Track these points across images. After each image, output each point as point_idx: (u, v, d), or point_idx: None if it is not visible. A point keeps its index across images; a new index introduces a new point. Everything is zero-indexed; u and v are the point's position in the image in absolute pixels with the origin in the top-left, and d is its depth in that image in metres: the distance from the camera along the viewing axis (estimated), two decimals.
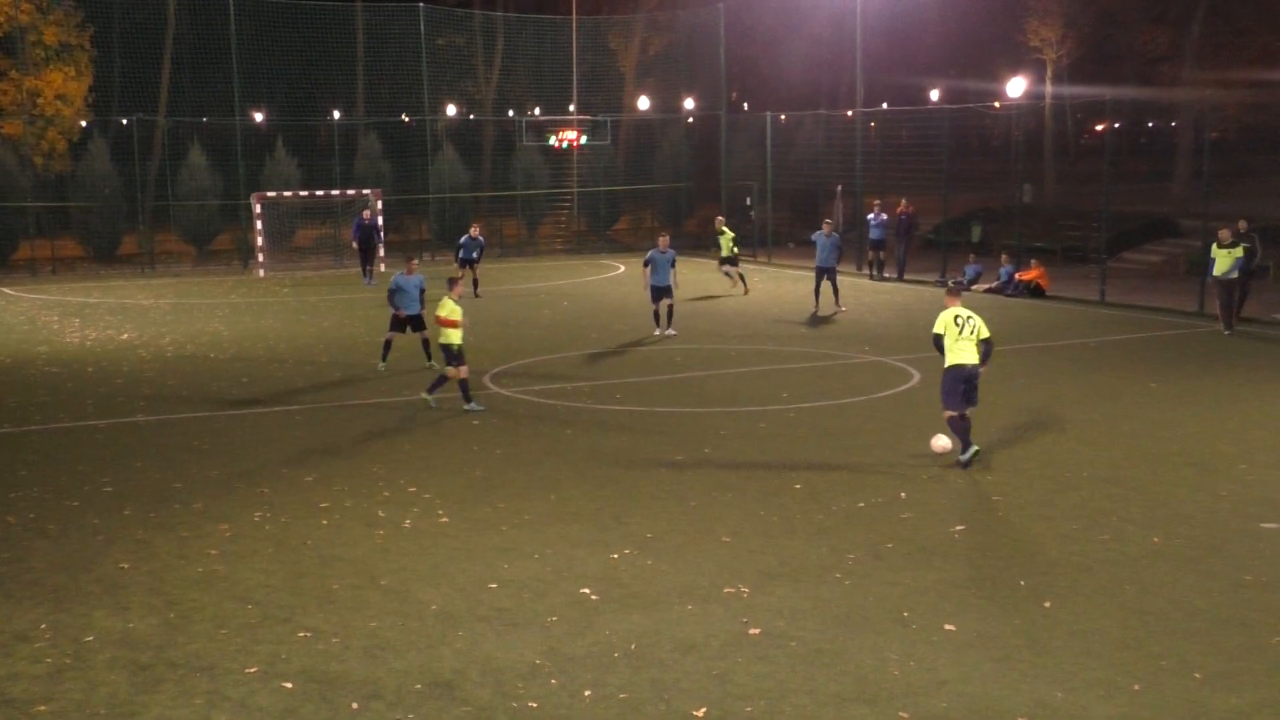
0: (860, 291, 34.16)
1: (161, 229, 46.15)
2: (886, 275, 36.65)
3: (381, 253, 39.82)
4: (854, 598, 10.65)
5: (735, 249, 34.48)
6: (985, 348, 15.39)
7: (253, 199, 41.43)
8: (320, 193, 43.77)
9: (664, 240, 27.05)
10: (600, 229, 50.36)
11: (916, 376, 21.00)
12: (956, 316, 15.24)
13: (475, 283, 32.89)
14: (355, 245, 37.48)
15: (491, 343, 25.12)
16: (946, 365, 15.26)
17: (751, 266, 40.70)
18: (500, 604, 10.64)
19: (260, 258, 41.11)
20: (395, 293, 21.88)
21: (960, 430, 15.07)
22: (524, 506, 13.53)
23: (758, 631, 9.94)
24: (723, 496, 13.84)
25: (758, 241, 43.66)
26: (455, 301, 18.49)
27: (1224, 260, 25.47)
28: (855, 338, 25.41)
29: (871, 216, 36.82)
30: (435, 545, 12.24)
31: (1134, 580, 10.99)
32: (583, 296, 34.03)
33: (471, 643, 9.81)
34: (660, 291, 25.93)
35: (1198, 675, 9.02)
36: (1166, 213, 43.69)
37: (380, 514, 13.32)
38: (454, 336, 18.39)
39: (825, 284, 29.53)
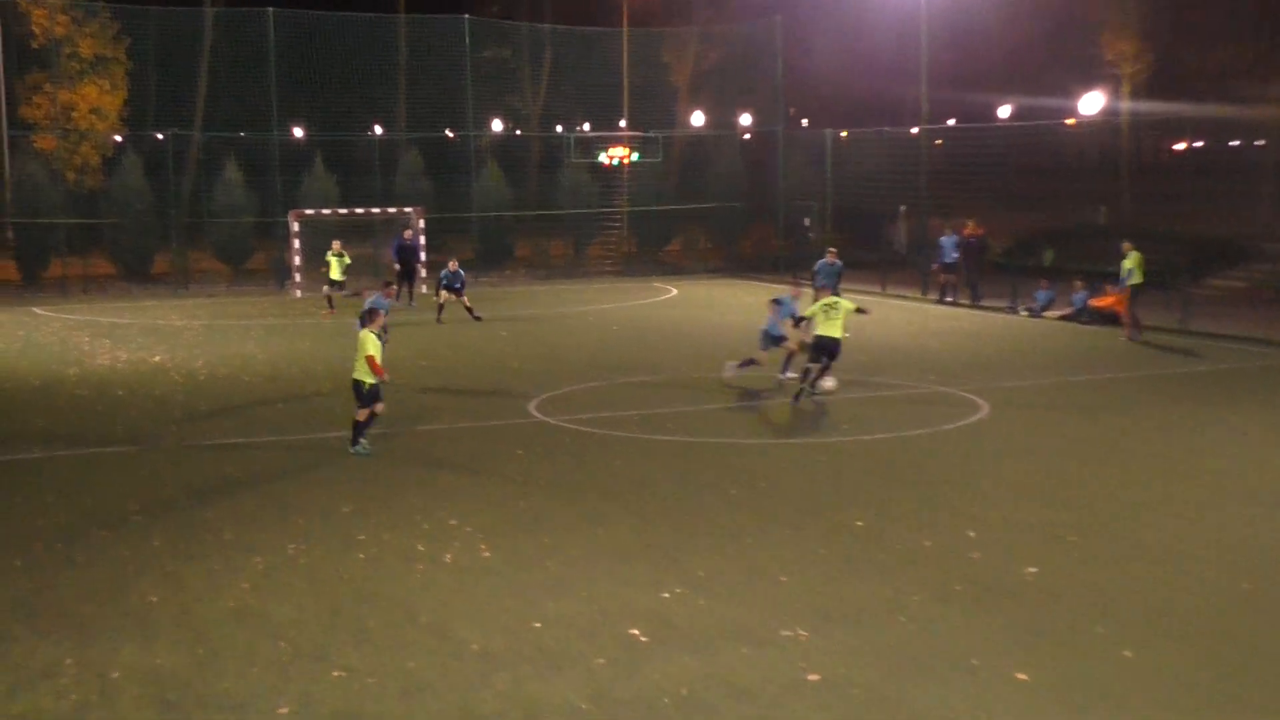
0: (926, 317, 33.98)
1: (195, 247, 46.68)
2: (959, 301, 36.46)
3: (423, 273, 40.04)
4: (918, 642, 10.51)
5: (343, 275, 35.30)
6: None
7: (290, 216, 41.81)
8: (360, 210, 44.07)
9: (832, 253, 26.70)
10: (651, 250, 50.45)
11: (985, 408, 20.79)
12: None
13: (470, 310, 32.90)
14: (396, 266, 37.64)
15: (536, 368, 25.15)
16: None
17: (811, 291, 40.60)
18: (544, 644, 10.58)
19: (296, 277, 41.45)
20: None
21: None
22: (570, 541, 13.47)
23: (816, 677, 9.81)
24: (779, 533, 13.72)
25: (817, 262, 43.51)
26: (378, 336, 17.77)
27: None
28: (920, 366, 25.22)
29: (945, 239, 36.77)
30: (477, 582, 12.20)
31: (1222, 630, 10.77)
32: (632, 321, 34.06)
33: (514, 684, 9.75)
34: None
35: None
36: (1251, 235, 43.17)
37: (420, 548, 13.30)
38: (367, 373, 17.50)
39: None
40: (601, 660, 10.21)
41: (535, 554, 13.06)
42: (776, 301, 23.52)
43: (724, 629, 10.87)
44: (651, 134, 50.05)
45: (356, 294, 33.97)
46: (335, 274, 35.26)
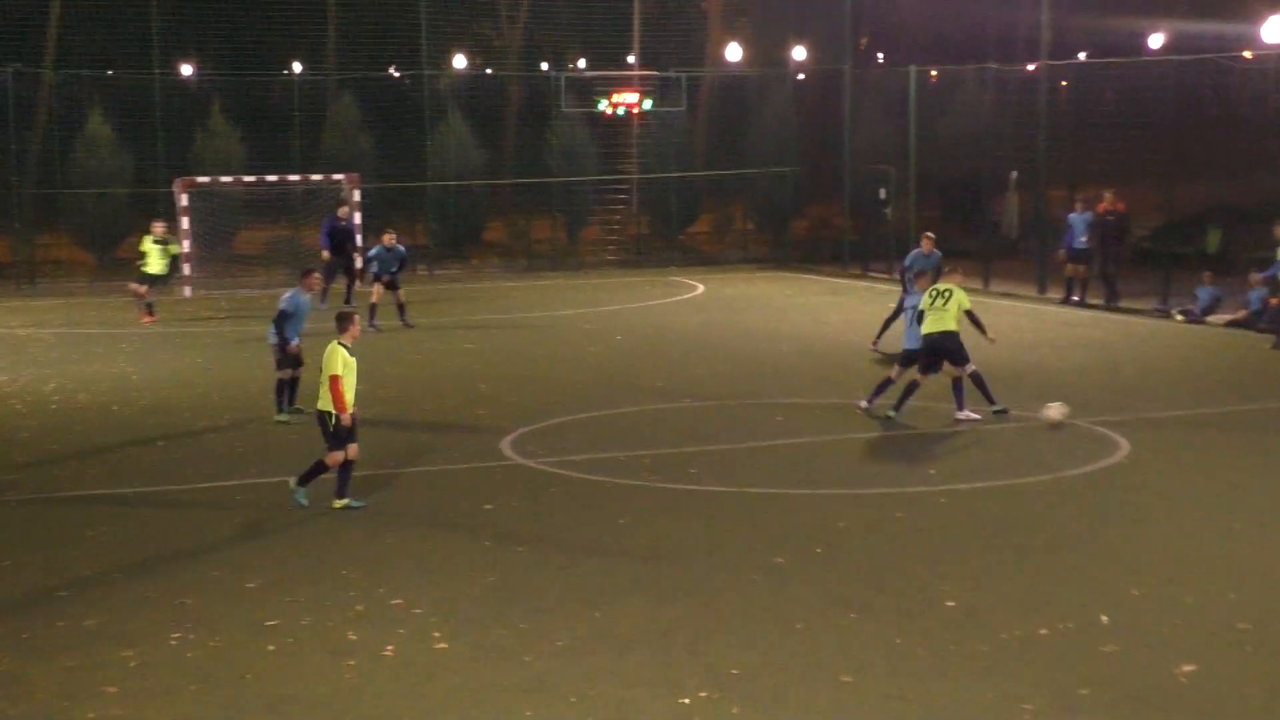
0: (1046, 323, 33.99)
1: (46, 228, 46.61)
2: (1090, 301, 36.46)
3: (359, 264, 39.61)
4: None
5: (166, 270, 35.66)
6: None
7: (176, 186, 41.74)
8: (273, 178, 44.05)
9: (928, 240, 27.08)
10: (671, 232, 50.47)
11: (1124, 447, 20.82)
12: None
13: (401, 309, 33.04)
14: (326, 255, 37.47)
15: (513, 393, 25.22)
16: None
17: (885, 287, 40.66)
18: None
19: (187, 270, 41.42)
20: (288, 318, 22.30)
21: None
22: (557, 628, 13.51)
23: None
24: (842, 617, 13.76)
25: (896, 250, 43.50)
26: (349, 351, 17.65)
27: None
28: (1037, 389, 25.19)
29: (1074, 217, 36.63)
30: (428, 682, 12.24)
31: None
32: (644, 327, 34.16)
33: None
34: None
35: None
36: None
37: (352, 636, 13.36)
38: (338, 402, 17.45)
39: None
40: None
41: (508, 645, 13.09)
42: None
43: None
44: (672, 74, 50.06)
45: (140, 295, 34.38)
46: (154, 267, 35.27)
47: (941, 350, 22.19)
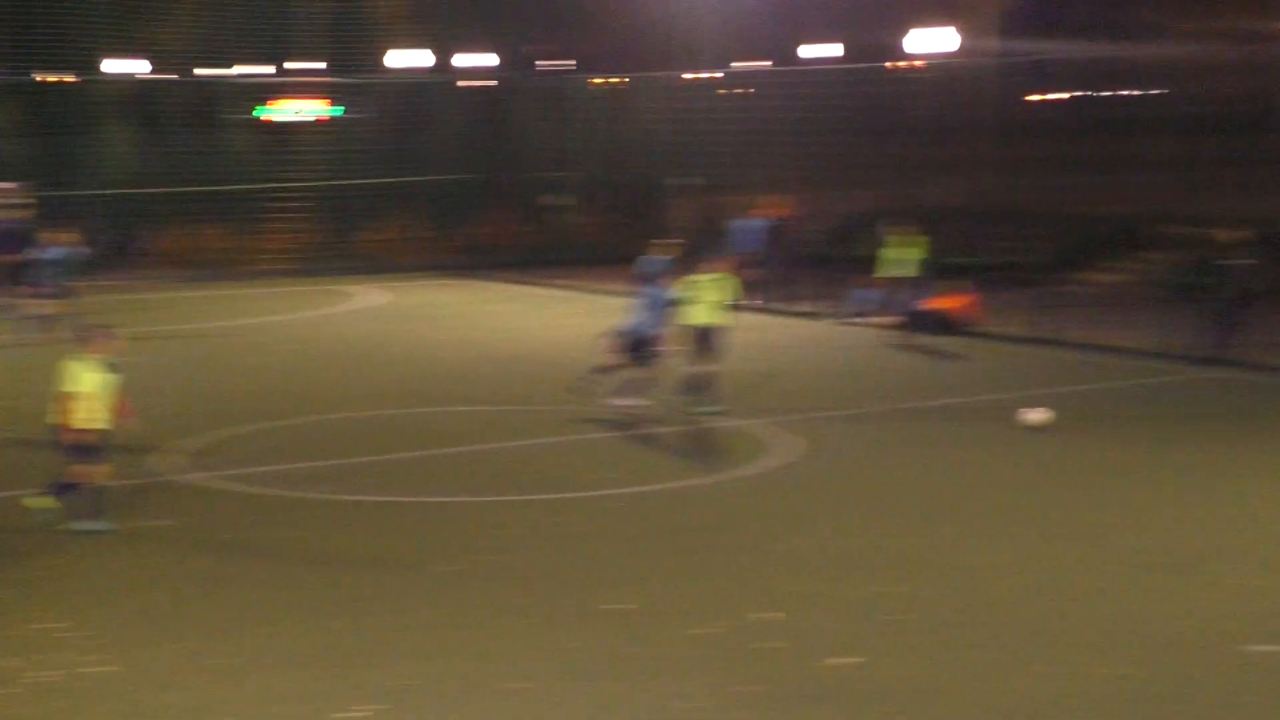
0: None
1: None
2: (769, 304, 37.10)
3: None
4: None
5: None
6: None
7: None
8: None
9: (657, 249, 27.43)
10: (345, 239, 49.92)
11: (794, 446, 21.25)
12: None
13: (56, 317, 31.59)
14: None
15: (178, 406, 24.63)
16: None
17: (562, 294, 40.97)
18: None
19: None
20: None
21: None
22: (225, 647, 13.22)
23: None
24: (514, 623, 13.76)
25: (570, 256, 43.80)
26: (98, 367, 16.92)
27: None
28: (710, 391, 25.57)
29: (747, 223, 37.24)
30: (86, 706, 11.89)
31: None
32: (322, 337, 33.72)
33: None
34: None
35: None
36: (1140, 214, 44.98)
37: None
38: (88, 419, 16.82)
39: None
40: None
41: (173, 664, 12.78)
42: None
43: None
44: (343, 79, 49.55)
45: None
46: None
47: (704, 340, 23.49)
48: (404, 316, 37.37)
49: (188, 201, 48.87)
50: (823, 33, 67.67)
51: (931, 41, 51.67)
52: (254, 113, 49.33)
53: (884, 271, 31.99)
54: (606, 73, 50.58)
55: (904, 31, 55.52)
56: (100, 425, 16.83)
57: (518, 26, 49.46)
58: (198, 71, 52.47)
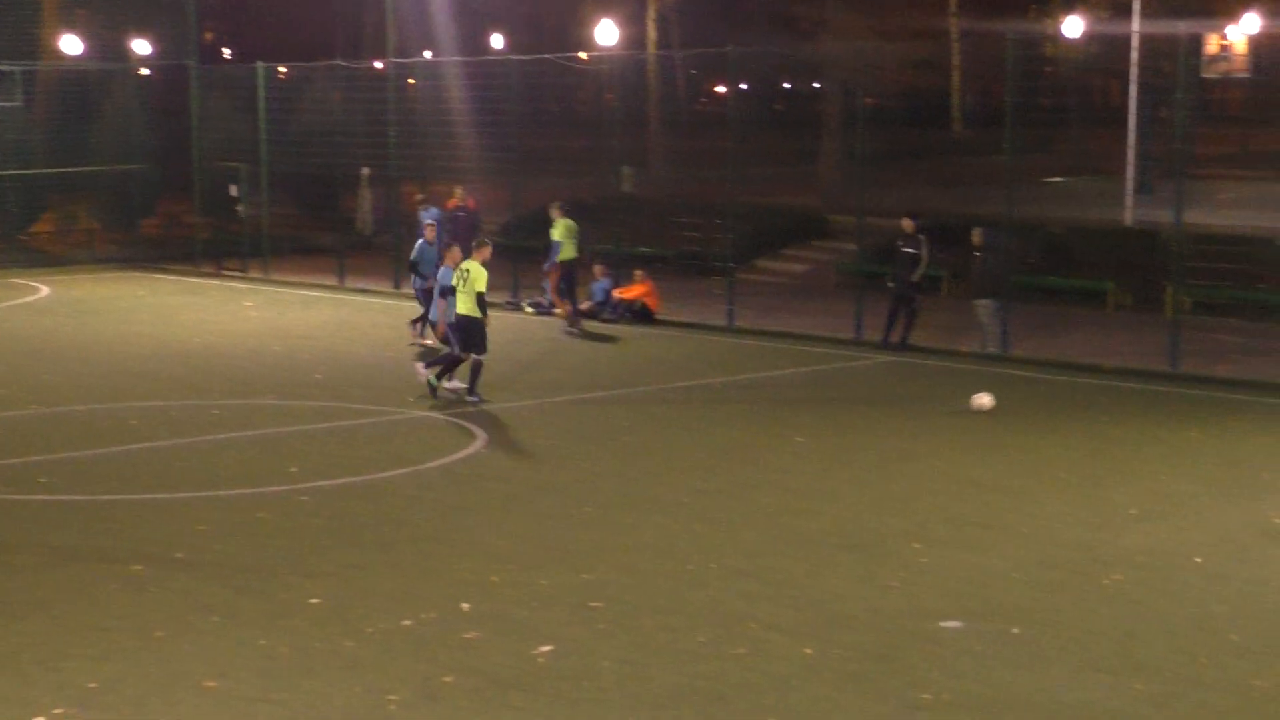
0: (401, 318, 34.37)
1: None
2: None
3: None
4: None
5: None
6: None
7: None
8: None
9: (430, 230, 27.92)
10: (9, 232, 48.37)
11: (481, 438, 21.33)
12: None
13: None
14: None
15: None
16: None
17: (244, 286, 40.40)
18: None
19: None
20: None
21: None
22: None
23: None
24: (204, 621, 13.57)
25: (249, 248, 43.17)
26: None
27: None
28: (396, 384, 25.51)
29: (425, 213, 37.20)
30: None
31: (782, 708, 11.54)
32: None
33: None
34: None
35: None
36: (811, 207, 46.19)
37: None
38: None
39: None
40: None
41: None
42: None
43: None
44: (6, 66, 47.98)
45: None
46: None
47: (462, 331, 23.52)
48: (75, 311, 36.31)
49: None
50: (511, 25, 68.12)
51: (615, 35, 52.23)
52: None
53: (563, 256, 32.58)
54: (291, 62, 49.78)
55: (594, 23, 56.04)
56: None
57: (195, 14, 48.31)
58: None
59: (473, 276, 23.38)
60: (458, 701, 11.69)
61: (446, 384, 23.98)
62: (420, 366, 24.73)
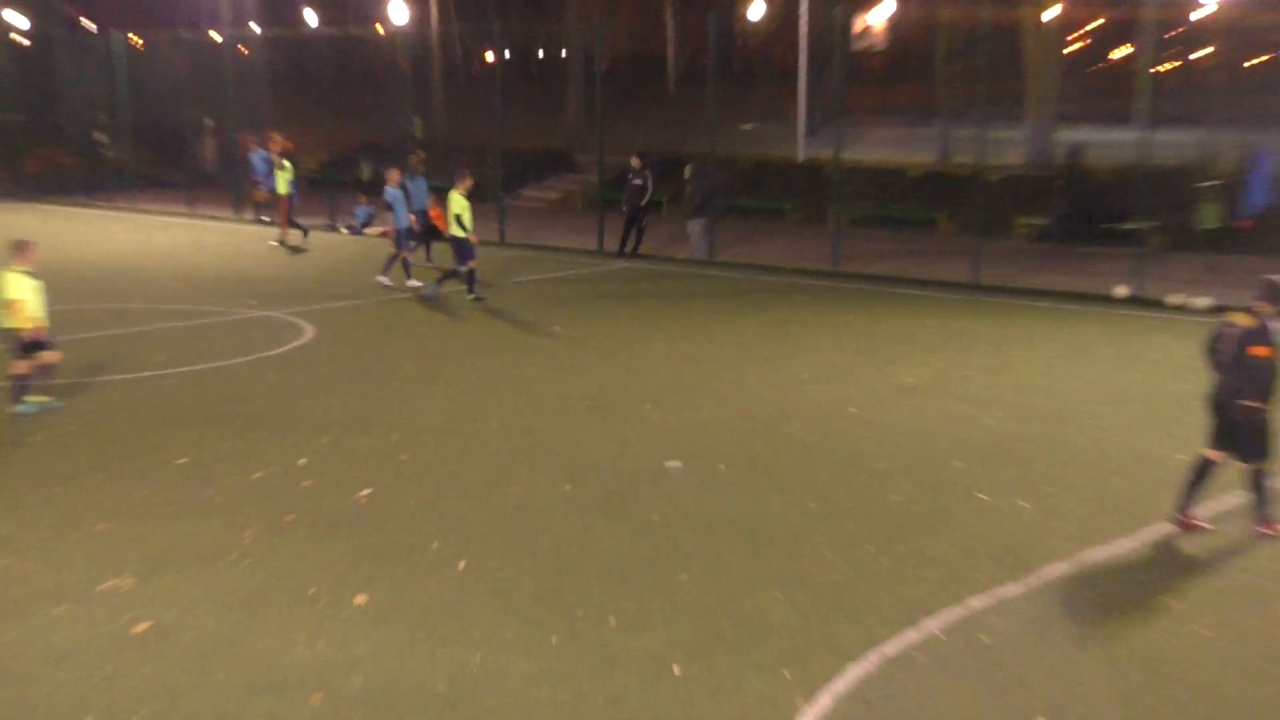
0: (241, 238, 33.75)
1: None
2: (269, 218, 36.47)
3: None
4: (254, 579, 10.66)
5: None
6: None
7: None
8: None
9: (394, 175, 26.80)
10: None
11: (310, 331, 21.11)
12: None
13: None
14: None
15: None
16: None
17: (113, 214, 39.19)
18: None
19: None
20: None
21: None
22: None
23: (145, 627, 9.71)
24: (92, 478, 13.32)
25: (115, 184, 41.91)
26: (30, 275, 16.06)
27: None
28: (238, 290, 25.10)
29: (255, 155, 36.60)
30: None
31: (547, 531, 11.74)
32: None
33: None
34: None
35: (612, 621, 9.83)
36: (562, 147, 46.28)
37: None
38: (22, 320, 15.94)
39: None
40: None
41: None
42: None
43: (35, 589, 10.45)
44: None
45: None
46: None
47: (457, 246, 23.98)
48: None
49: None
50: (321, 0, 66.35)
51: (405, 13, 51.36)
52: None
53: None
54: (140, 30, 48.01)
55: (388, 2, 55.10)
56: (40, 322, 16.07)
57: None
58: None
59: (452, 204, 23.71)
60: (298, 534, 11.68)
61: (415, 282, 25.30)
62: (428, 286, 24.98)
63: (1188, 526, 11.75)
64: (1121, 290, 24.02)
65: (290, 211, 32.44)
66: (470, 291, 23.84)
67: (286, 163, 32.70)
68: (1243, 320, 11.57)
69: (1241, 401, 11.40)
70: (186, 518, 12.14)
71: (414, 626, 9.74)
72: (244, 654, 9.30)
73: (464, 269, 23.81)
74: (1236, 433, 11.58)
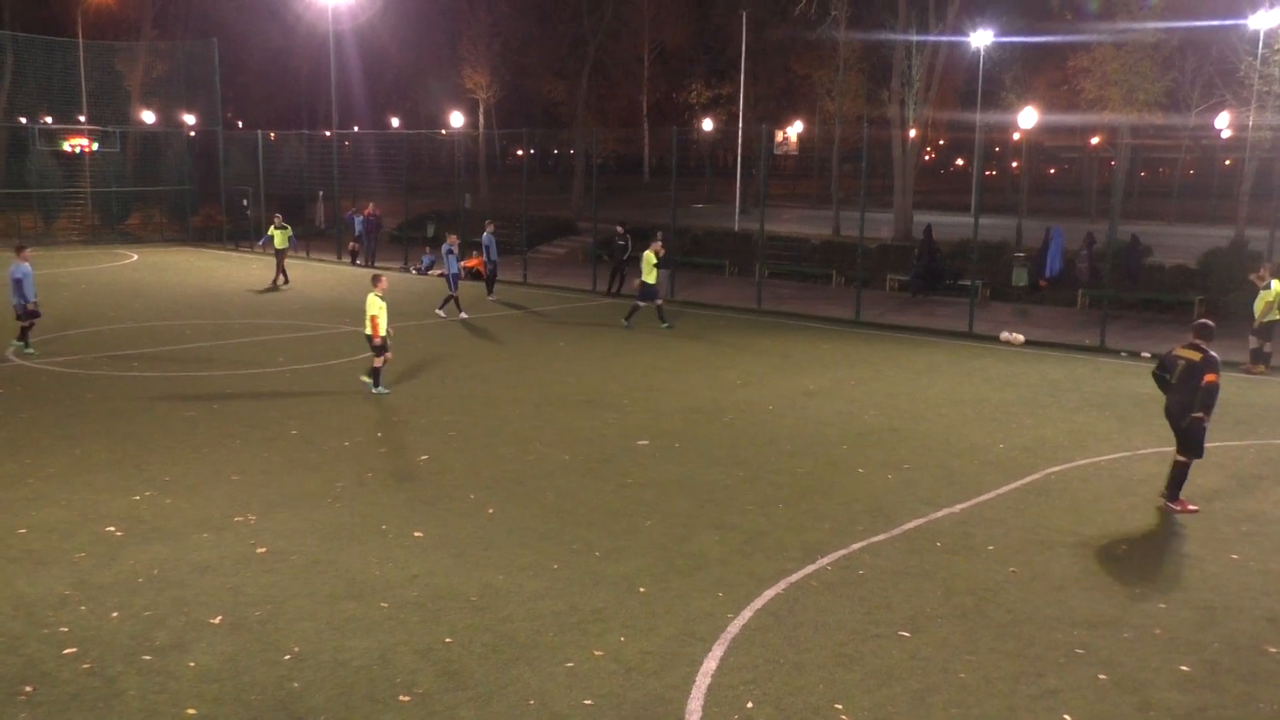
0: (341, 276, 33.44)
1: None
2: (361, 263, 36.22)
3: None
4: (342, 517, 10.47)
5: None
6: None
7: None
8: None
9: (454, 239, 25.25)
10: (113, 223, 45.63)
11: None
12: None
13: None
14: None
15: (11, 321, 22.14)
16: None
17: (251, 257, 38.80)
18: (29, 546, 9.49)
19: None
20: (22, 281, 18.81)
21: None
22: (49, 462, 12.11)
23: (264, 550, 9.53)
24: (231, 443, 13.10)
25: (254, 233, 41.56)
26: (381, 298, 16.00)
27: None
28: (338, 313, 24.78)
29: (353, 217, 36.66)
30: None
31: (551, 488, 11.59)
32: (99, 282, 30.75)
33: (2, 583, 8.68)
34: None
35: (597, 554, 9.69)
36: (568, 217, 46.07)
37: None
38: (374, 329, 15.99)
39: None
40: (82, 554, 9.33)
41: (17, 474, 11.63)
42: (450, 251, 24.88)
43: (187, 521, 10.27)
44: (110, 129, 45.07)
45: None
46: None
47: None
48: (153, 269, 34.32)
49: (11, 200, 43.75)
50: (401, 110, 66.03)
51: (461, 119, 51.03)
52: (59, 146, 44.39)
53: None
54: (275, 128, 47.66)
55: (449, 113, 54.80)
56: (385, 333, 16.02)
57: (220, 100, 45.88)
58: (21, 120, 46.64)
59: (646, 259, 22.98)
60: (375, 485, 11.50)
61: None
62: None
63: (1180, 509, 11.20)
64: (1018, 337, 22.24)
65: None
66: (661, 320, 23.38)
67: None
68: (1191, 355, 11.04)
69: (1194, 415, 10.97)
70: (296, 472, 11.94)
71: (455, 554, 9.57)
72: (334, 571, 9.11)
73: (643, 304, 23.48)
74: (1182, 435, 11.14)
